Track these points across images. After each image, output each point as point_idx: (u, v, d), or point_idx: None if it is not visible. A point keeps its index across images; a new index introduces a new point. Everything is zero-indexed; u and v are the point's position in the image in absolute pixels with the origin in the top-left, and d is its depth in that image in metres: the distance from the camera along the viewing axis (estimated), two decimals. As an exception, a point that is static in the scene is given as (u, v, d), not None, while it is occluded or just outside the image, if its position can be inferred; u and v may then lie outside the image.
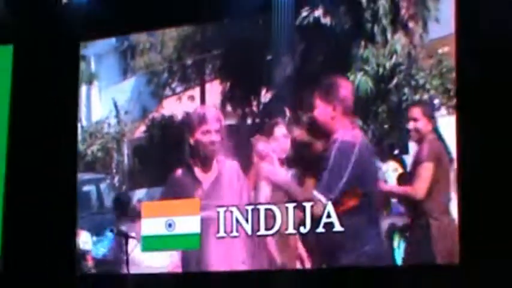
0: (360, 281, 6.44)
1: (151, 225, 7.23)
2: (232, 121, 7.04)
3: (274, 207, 6.66)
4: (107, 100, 7.74)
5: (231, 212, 6.82)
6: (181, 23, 7.37)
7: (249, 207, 6.73)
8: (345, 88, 6.47)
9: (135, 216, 7.22)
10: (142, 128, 7.45)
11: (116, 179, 7.48)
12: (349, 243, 6.42)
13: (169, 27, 7.44)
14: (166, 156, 7.22)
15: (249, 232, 6.77)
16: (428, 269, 6.28)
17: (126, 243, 5.74)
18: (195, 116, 7.15)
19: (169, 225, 7.12)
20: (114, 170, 7.50)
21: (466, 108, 6.00)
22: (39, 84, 7.82)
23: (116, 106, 7.62)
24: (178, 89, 7.39)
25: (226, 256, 6.98)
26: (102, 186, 7.51)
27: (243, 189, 6.84)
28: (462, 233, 6.10)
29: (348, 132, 6.36)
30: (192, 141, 7.02)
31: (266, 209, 6.71)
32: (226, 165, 6.89)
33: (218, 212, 6.87)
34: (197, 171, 6.92)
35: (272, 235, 6.72)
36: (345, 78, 6.46)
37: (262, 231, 6.75)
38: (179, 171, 7.05)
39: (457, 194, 6.10)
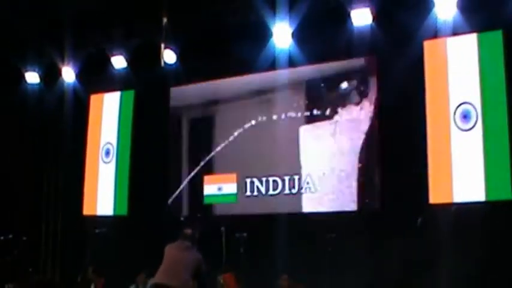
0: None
1: (209, 189, 9.09)
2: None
3: (277, 179, 8.50)
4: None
5: (253, 182, 8.70)
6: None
7: (264, 179, 8.59)
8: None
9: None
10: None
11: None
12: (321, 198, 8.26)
13: (222, 77, 9.20)
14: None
15: (264, 192, 8.64)
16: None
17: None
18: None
19: (219, 188, 9.00)
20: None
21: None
22: (149, 105, 9.70)
23: None
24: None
25: (251, 206, 8.71)
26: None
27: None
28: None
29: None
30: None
31: (273, 180, 8.56)
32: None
33: (246, 182, 8.69)
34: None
35: (276, 194, 8.54)
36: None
37: (271, 192, 8.59)
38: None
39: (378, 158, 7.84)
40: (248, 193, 8.80)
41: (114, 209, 9.77)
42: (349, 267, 7.49)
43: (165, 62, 8.74)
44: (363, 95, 8.26)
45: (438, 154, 7.46)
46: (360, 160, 8.10)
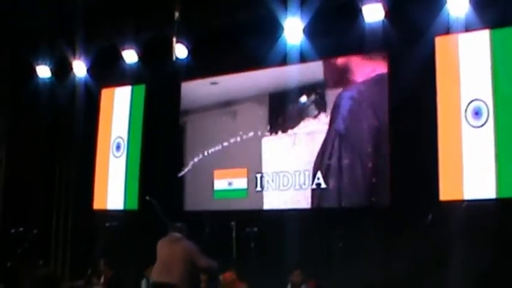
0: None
1: (219, 183, 9.07)
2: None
3: (287, 174, 8.50)
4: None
5: (263, 176, 8.70)
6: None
7: (274, 174, 8.59)
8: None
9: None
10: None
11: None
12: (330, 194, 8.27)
13: (233, 72, 9.20)
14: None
15: (274, 188, 8.67)
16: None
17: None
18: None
19: (229, 183, 8.97)
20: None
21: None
22: (160, 99, 9.74)
23: None
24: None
25: (261, 201, 8.77)
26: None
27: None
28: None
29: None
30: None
31: (283, 175, 8.56)
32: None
33: (256, 177, 8.70)
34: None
35: (286, 190, 8.56)
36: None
37: (281, 187, 8.60)
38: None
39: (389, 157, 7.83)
40: (258, 188, 8.74)
41: (125, 204, 9.81)
42: (359, 263, 7.50)
43: (176, 57, 8.71)
44: (320, 108, 8.43)
45: (449, 151, 7.40)
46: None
